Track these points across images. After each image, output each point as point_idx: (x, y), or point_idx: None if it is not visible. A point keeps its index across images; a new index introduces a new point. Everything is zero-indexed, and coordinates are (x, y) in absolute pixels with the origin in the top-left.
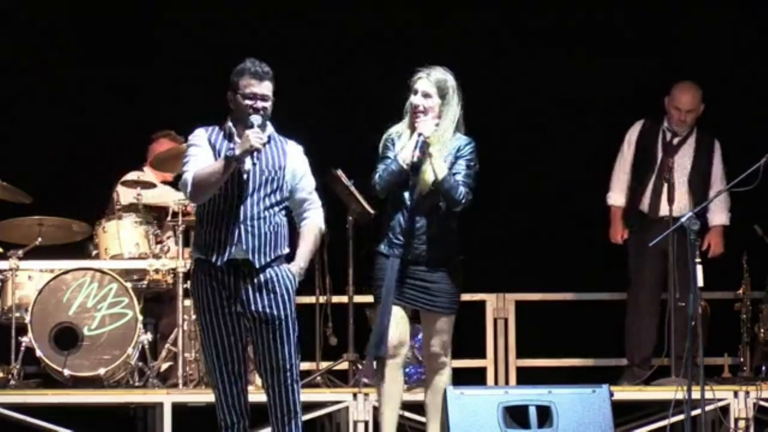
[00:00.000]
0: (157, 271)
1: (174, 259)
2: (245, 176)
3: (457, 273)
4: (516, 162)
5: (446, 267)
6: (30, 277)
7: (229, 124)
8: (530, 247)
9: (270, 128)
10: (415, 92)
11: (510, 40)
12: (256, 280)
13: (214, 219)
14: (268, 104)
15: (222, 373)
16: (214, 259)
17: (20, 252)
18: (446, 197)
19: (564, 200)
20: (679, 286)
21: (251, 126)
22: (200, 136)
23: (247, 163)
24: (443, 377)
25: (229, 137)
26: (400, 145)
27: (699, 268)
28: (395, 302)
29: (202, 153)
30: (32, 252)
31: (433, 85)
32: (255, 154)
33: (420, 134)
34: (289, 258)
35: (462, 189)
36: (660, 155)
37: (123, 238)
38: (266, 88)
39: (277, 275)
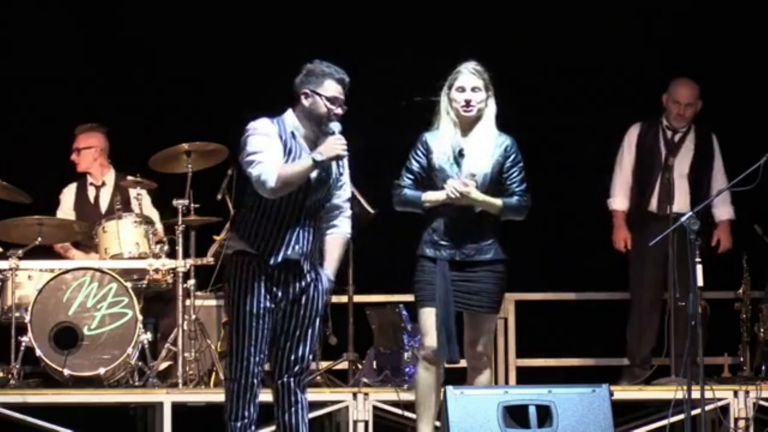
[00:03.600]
0: (157, 270)
1: (174, 259)
2: (311, 182)
3: (502, 273)
4: None
5: (492, 267)
6: (30, 277)
7: (296, 122)
8: (530, 247)
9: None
10: (462, 89)
11: (511, 39)
12: (302, 280)
13: (274, 217)
14: (342, 112)
15: (251, 367)
16: (266, 256)
17: (20, 252)
18: (512, 218)
19: (564, 200)
20: (679, 285)
21: (331, 132)
22: (270, 127)
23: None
24: (485, 377)
25: (292, 135)
26: (435, 150)
27: (699, 268)
28: (437, 306)
29: (276, 146)
30: (32, 252)
31: (480, 79)
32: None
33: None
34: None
35: (522, 202)
36: (664, 153)
37: (123, 238)
38: (343, 94)
39: (318, 277)
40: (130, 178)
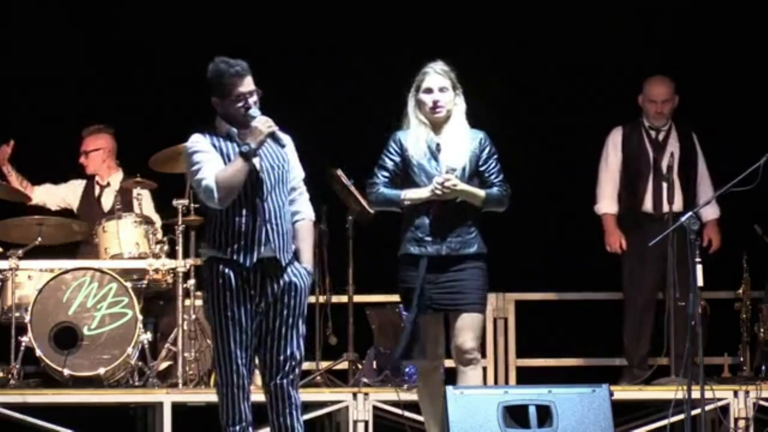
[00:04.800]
0: (156, 270)
1: (174, 259)
2: (262, 174)
3: (484, 270)
4: (515, 162)
5: (475, 263)
6: (30, 277)
7: (227, 126)
8: (530, 247)
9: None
10: (429, 90)
11: (509, 44)
12: (281, 278)
13: (236, 219)
14: (257, 97)
15: (240, 369)
16: (241, 259)
17: (20, 252)
18: (494, 210)
19: (564, 200)
20: (679, 286)
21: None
22: (202, 141)
23: (258, 162)
24: (477, 373)
25: (228, 138)
26: (411, 147)
27: (699, 268)
28: (427, 312)
29: (212, 158)
30: (32, 252)
31: (445, 78)
32: (265, 151)
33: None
34: None
35: (503, 192)
36: (651, 153)
37: (123, 238)
38: (250, 83)
39: (296, 273)
40: (129, 179)
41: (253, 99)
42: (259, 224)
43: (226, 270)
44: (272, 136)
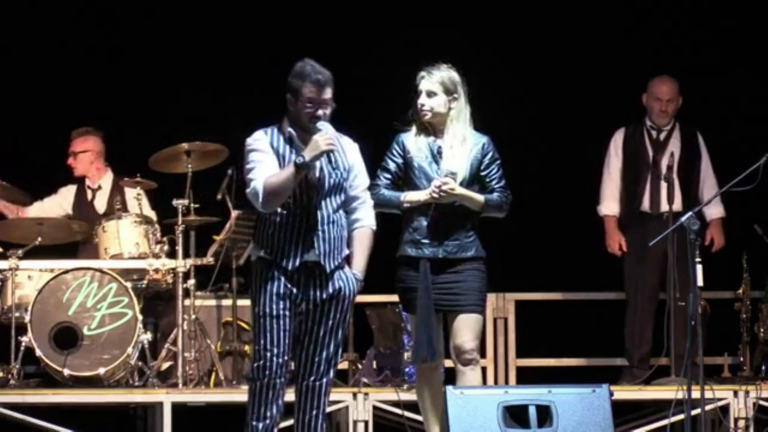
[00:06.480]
0: (156, 270)
1: (174, 259)
2: (318, 181)
3: (484, 272)
4: (515, 162)
5: (473, 265)
6: (30, 277)
7: (289, 128)
8: (530, 247)
9: (331, 129)
10: (419, 93)
11: (514, 43)
12: (325, 283)
13: (285, 223)
14: (328, 110)
15: (273, 364)
16: (284, 262)
17: (20, 252)
18: (494, 215)
19: (564, 200)
20: (679, 285)
21: (317, 131)
22: (262, 140)
23: (315, 169)
24: (476, 374)
25: (290, 141)
26: (412, 150)
27: (699, 268)
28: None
29: (267, 159)
30: (32, 252)
31: (436, 83)
32: (324, 157)
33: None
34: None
35: (503, 198)
36: (651, 153)
37: (123, 237)
38: (327, 94)
39: (343, 279)
40: (127, 179)
41: (324, 111)
42: (307, 230)
43: (272, 271)
44: (328, 154)
